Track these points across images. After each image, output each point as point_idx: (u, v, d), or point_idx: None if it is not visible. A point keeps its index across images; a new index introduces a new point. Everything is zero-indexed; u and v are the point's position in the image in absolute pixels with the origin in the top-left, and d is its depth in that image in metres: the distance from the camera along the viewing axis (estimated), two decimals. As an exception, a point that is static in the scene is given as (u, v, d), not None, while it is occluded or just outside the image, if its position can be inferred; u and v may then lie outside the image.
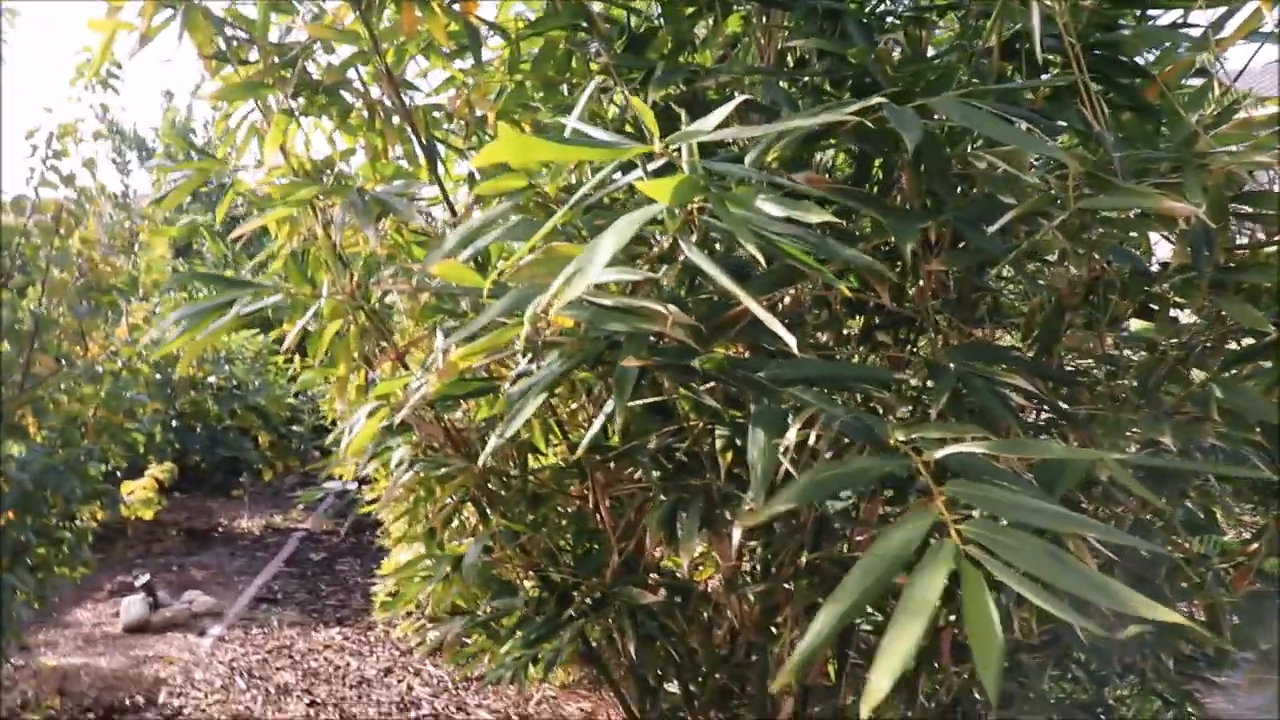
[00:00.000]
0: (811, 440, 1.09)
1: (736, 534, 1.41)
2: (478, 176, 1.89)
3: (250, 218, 1.82)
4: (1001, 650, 0.77)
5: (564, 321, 1.38)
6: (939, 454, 0.96)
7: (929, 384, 1.55)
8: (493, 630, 2.56)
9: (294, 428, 8.40)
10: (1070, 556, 0.80)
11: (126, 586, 5.68)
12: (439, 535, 2.38)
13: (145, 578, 5.51)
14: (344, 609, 5.68)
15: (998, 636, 0.77)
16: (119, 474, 5.37)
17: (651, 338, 1.29)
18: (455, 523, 2.42)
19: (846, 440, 1.11)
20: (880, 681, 0.79)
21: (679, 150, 1.03)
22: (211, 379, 7.53)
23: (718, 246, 1.63)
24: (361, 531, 7.51)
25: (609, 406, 1.30)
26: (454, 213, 1.81)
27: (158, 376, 5.71)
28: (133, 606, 5.29)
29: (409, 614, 5.07)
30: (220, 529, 7.62)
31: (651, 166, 1.11)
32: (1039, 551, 0.81)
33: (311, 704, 4.21)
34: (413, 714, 4.13)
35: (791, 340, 0.91)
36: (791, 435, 1.06)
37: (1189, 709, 2.12)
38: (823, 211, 0.98)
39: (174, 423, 7.51)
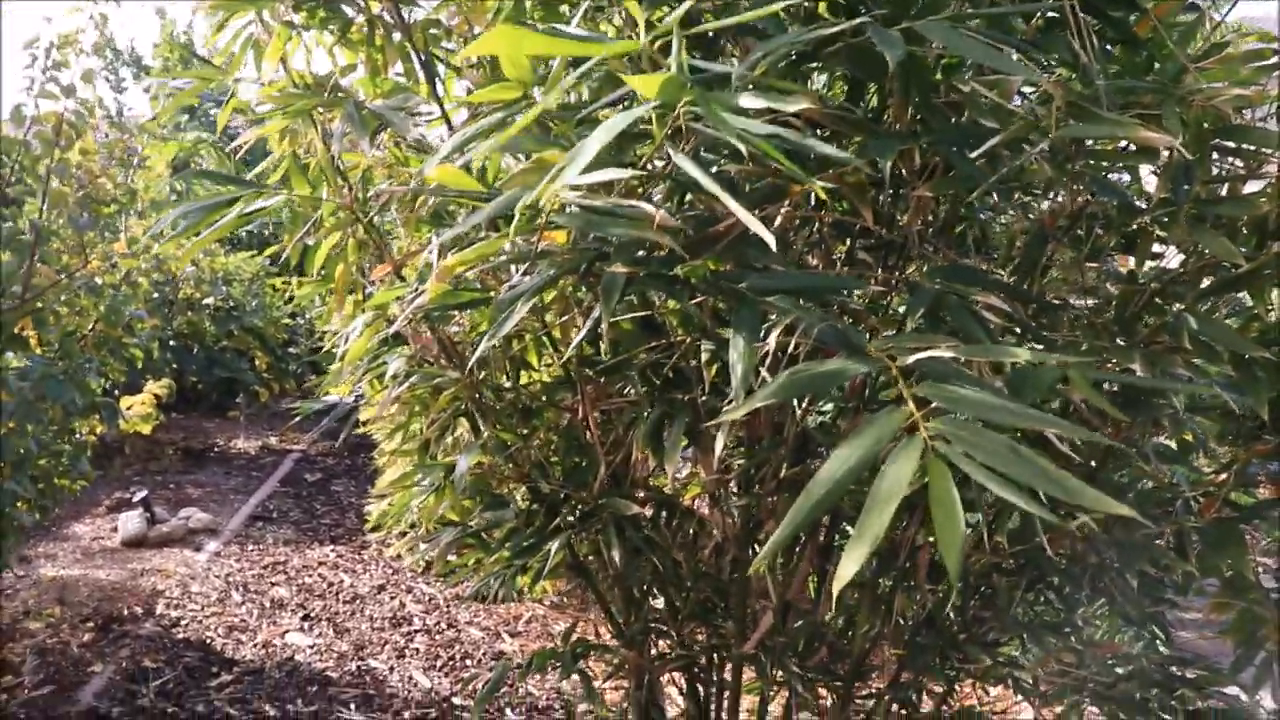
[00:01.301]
0: (791, 348, 1.14)
1: (720, 440, 1.45)
2: (471, 85, 1.92)
3: (249, 131, 1.85)
4: (962, 534, 0.82)
5: (557, 237, 1.41)
6: (910, 359, 1.00)
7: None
8: (483, 542, 2.63)
9: (290, 350, 8.45)
10: (1028, 451, 0.85)
11: (124, 502, 5.77)
12: (432, 448, 2.43)
13: (143, 494, 5.60)
14: (338, 528, 5.78)
15: (960, 522, 0.82)
16: (117, 390, 5.43)
17: (640, 251, 1.33)
18: (449, 437, 2.47)
19: (826, 350, 1.15)
20: (849, 566, 0.84)
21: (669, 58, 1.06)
22: (209, 300, 7.56)
23: (713, 169, 1.66)
24: (358, 453, 7.60)
25: (596, 314, 1.34)
26: (452, 129, 1.83)
27: (155, 295, 5.74)
28: (130, 522, 5.38)
29: (403, 534, 5.17)
30: (216, 449, 7.71)
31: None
32: (1000, 446, 0.86)
33: (305, 618, 4.31)
34: (404, 629, 4.24)
35: (770, 238, 0.94)
36: (772, 340, 1.10)
37: (1156, 631, 2.19)
38: (803, 100, 1.01)
39: (171, 342, 7.56)
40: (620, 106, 1.30)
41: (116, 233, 4.23)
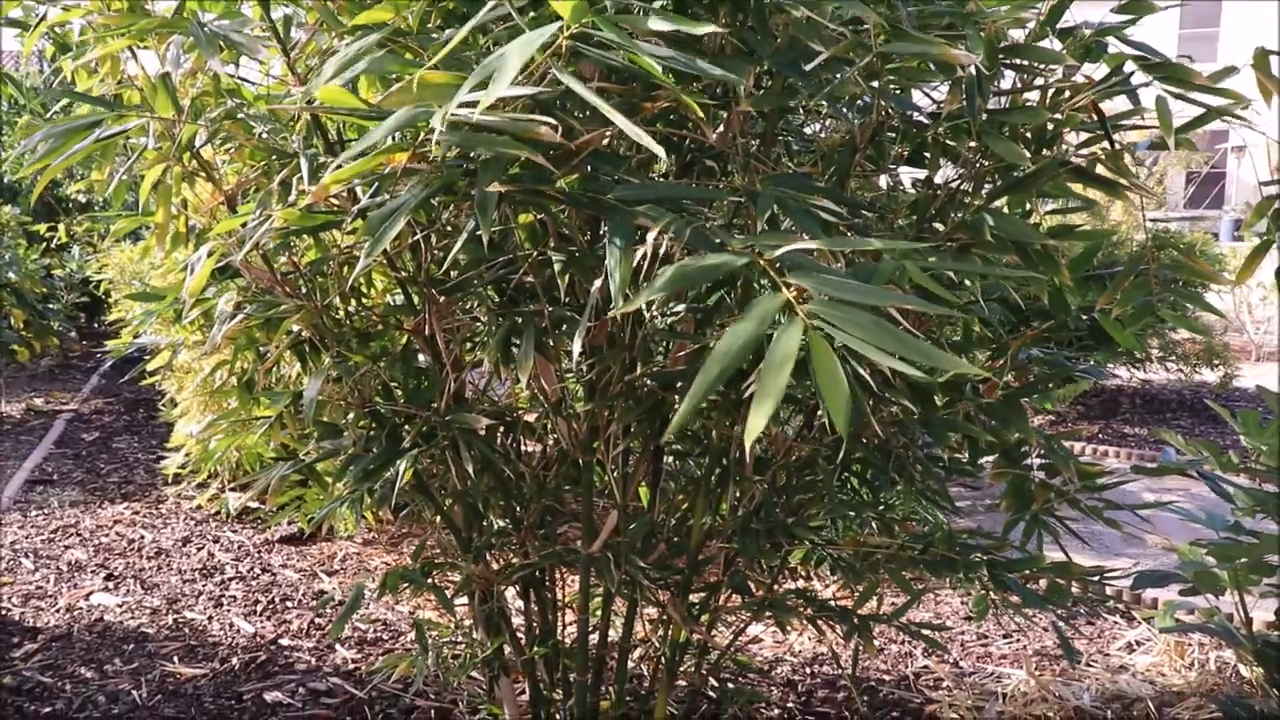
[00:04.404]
0: (663, 250, 1.24)
1: (577, 345, 1.55)
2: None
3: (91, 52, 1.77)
4: (847, 396, 0.95)
5: (401, 157, 1.46)
6: (777, 252, 1.12)
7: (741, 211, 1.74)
8: (317, 474, 2.63)
9: (50, 305, 7.89)
10: (891, 325, 0.99)
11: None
12: (260, 383, 2.41)
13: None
14: (128, 485, 5.53)
15: (845, 388, 0.95)
16: None
17: (508, 167, 1.40)
18: (276, 371, 2.46)
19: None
20: (758, 420, 0.95)
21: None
22: (-48, 254, 6.96)
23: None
24: (136, 409, 7.24)
25: (469, 229, 1.41)
26: (287, 53, 1.82)
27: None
28: (-110, 494, 4.97)
29: (202, 484, 5.01)
30: (-25, 414, 7.16)
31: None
32: (869, 322, 0.99)
33: (109, 577, 4.15)
34: (217, 578, 4.15)
35: (660, 150, 1.04)
36: (650, 239, 1.20)
37: (941, 503, 2.45)
38: (707, 24, 1.11)
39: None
40: (486, 29, 1.35)
41: None
